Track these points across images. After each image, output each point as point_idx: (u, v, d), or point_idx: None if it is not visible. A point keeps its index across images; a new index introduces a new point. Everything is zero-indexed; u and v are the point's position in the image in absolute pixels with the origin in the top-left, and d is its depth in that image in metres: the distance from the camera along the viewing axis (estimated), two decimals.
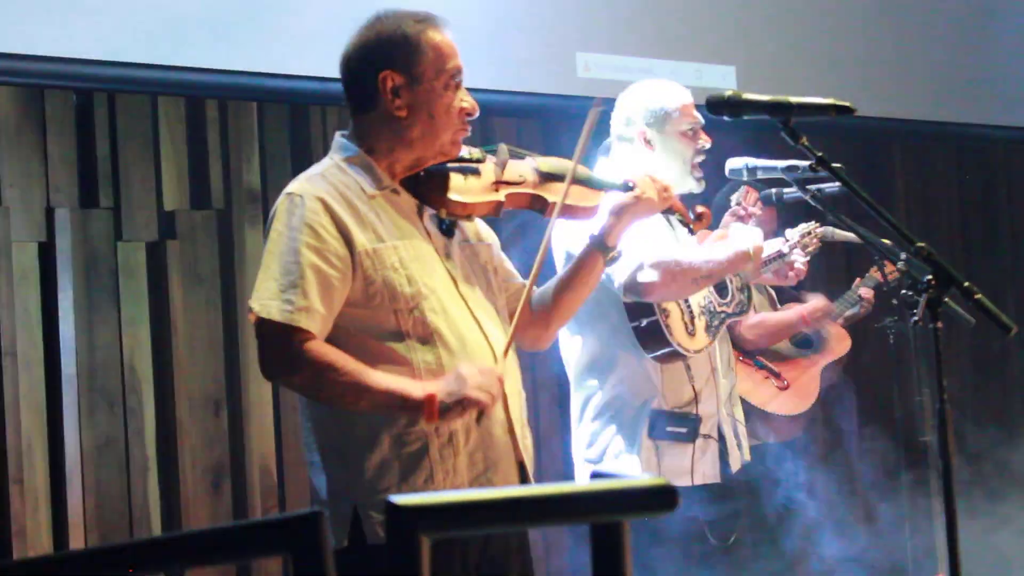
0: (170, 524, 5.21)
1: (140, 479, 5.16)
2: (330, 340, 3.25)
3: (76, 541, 4.99)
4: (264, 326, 3.21)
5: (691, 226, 3.98)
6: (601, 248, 3.61)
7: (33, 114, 5.06)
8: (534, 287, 3.57)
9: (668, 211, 3.84)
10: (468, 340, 3.30)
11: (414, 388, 3.17)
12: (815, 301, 5.83)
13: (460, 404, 3.13)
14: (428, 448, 3.24)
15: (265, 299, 3.21)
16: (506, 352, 3.30)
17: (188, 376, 5.29)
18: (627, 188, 3.69)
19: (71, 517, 4.99)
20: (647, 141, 4.42)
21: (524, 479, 3.39)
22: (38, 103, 5.07)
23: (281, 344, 3.20)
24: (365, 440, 3.27)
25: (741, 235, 4.41)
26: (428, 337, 3.27)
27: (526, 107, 5.99)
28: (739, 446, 4.56)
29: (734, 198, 4.80)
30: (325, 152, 3.35)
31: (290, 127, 5.64)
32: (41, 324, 5.01)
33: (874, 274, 6.13)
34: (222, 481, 5.35)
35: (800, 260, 4.69)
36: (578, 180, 3.57)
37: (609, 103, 4.35)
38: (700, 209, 4.03)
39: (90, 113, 5.17)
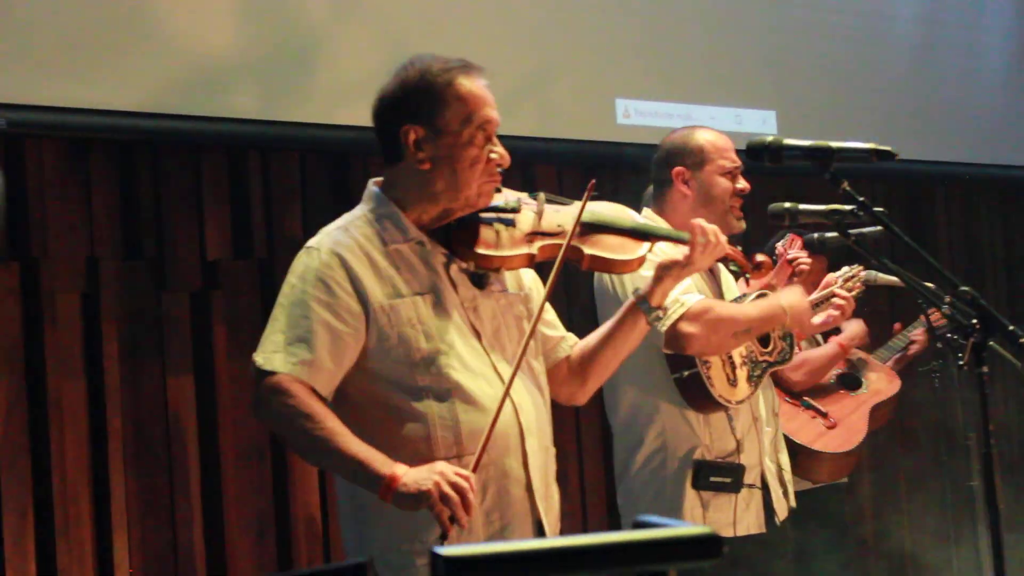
0: (216, 573, 5.21)
1: (185, 529, 5.17)
2: (347, 394, 3.24)
3: None
4: (261, 375, 3.19)
5: (748, 274, 3.93)
6: (644, 307, 3.51)
7: (77, 166, 5.09)
8: (570, 337, 3.55)
9: (723, 259, 3.77)
10: (488, 397, 3.23)
11: (381, 464, 3.09)
12: (852, 328, 5.80)
13: (417, 497, 3.04)
14: None
15: (269, 352, 3.20)
16: (500, 404, 3.16)
17: (232, 426, 5.30)
18: (679, 239, 3.59)
19: (117, 568, 5.00)
20: (685, 182, 4.40)
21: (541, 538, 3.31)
22: (82, 155, 5.10)
23: (272, 389, 3.16)
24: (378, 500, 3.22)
25: (786, 294, 4.38)
26: (445, 394, 3.23)
27: (567, 153, 6.00)
28: (785, 494, 4.53)
29: (779, 245, 4.79)
30: None
31: (332, 176, 5.66)
32: (85, 375, 5.03)
33: (920, 323, 6.11)
34: (266, 530, 5.36)
35: (845, 294, 4.69)
36: (619, 229, 3.50)
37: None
38: (760, 258, 3.95)
39: (133, 164, 5.21)
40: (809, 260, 4.91)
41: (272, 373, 3.17)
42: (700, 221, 3.61)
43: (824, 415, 5.62)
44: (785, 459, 4.64)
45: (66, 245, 5.04)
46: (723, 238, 3.62)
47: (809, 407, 5.59)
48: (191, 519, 5.18)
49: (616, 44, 6.31)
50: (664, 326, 4.01)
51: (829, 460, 5.50)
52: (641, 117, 6.31)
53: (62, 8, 4.92)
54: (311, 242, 3.32)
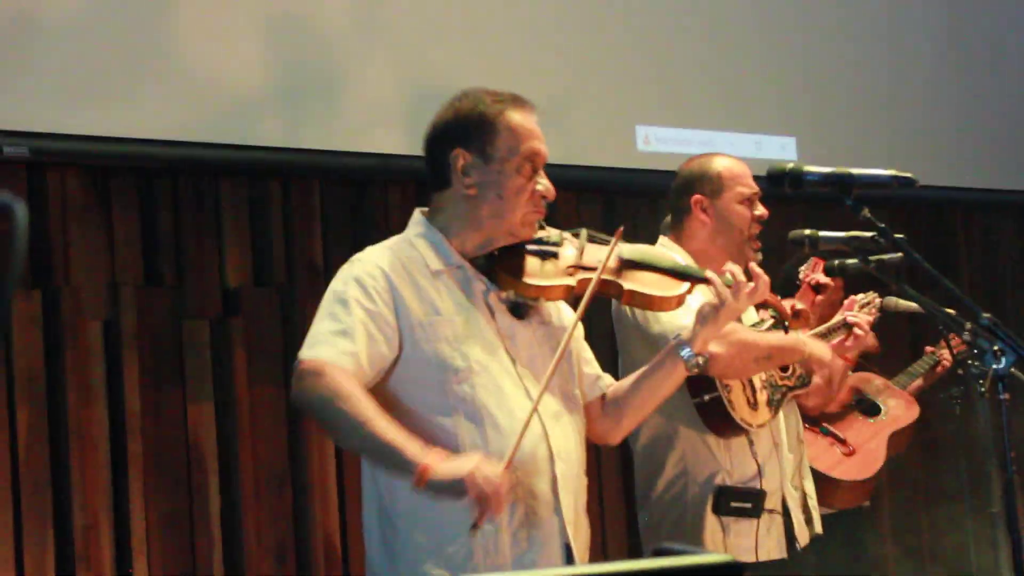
0: None
1: (205, 555, 5.17)
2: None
3: None
4: (301, 362, 3.22)
5: (787, 323, 3.90)
6: (687, 354, 3.47)
7: (99, 194, 5.11)
8: (605, 377, 3.56)
9: (763, 305, 3.75)
10: (518, 419, 3.22)
11: (417, 451, 3.08)
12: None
13: (452, 485, 3.03)
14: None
15: (312, 344, 3.23)
16: (529, 417, 3.17)
17: (252, 452, 5.30)
18: (705, 280, 3.54)
19: None
20: (703, 210, 4.40)
21: (569, 563, 3.29)
22: (104, 183, 5.12)
23: (310, 370, 3.19)
24: (407, 512, 3.25)
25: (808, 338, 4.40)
26: (475, 414, 3.25)
27: (586, 181, 6.00)
28: (809, 520, 4.53)
29: (802, 270, 4.78)
30: (386, 227, 3.36)
31: (352, 203, 5.68)
32: (106, 401, 5.04)
33: (937, 351, 6.09)
34: (286, 556, 5.36)
35: (862, 321, 4.68)
36: (659, 268, 3.49)
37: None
38: (800, 306, 3.94)
39: (154, 192, 5.23)
40: (831, 282, 4.90)
41: (314, 358, 3.19)
42: (735, 272, 3.56)
43: (843, 441, 5.60)
44: (810, 486, 4.63)
45: (88, 272, 5.06)
46: (761, 282, 3.55)
47: (828, 433, 5.58)
48: (211, 545, 5.19)
49: (636, 71, 6.33)
50: None
51: (847, 488, 5.49)
52: (661, 144, 6.32)
53: (85, 37, 4.95)
54: (356, 256, 3.37)
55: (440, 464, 3.05)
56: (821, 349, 4.36)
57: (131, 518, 5.02)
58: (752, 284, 3.51)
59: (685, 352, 3.48)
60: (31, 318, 4.92)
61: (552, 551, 3.28)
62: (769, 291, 3.64)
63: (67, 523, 4.92)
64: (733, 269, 3.56)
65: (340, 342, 3.20)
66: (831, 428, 5.62)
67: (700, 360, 3.50)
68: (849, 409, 5.80)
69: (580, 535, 3.37)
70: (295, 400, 3.29)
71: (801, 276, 4.81)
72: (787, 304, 3.94)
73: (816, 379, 4.57)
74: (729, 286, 3.51)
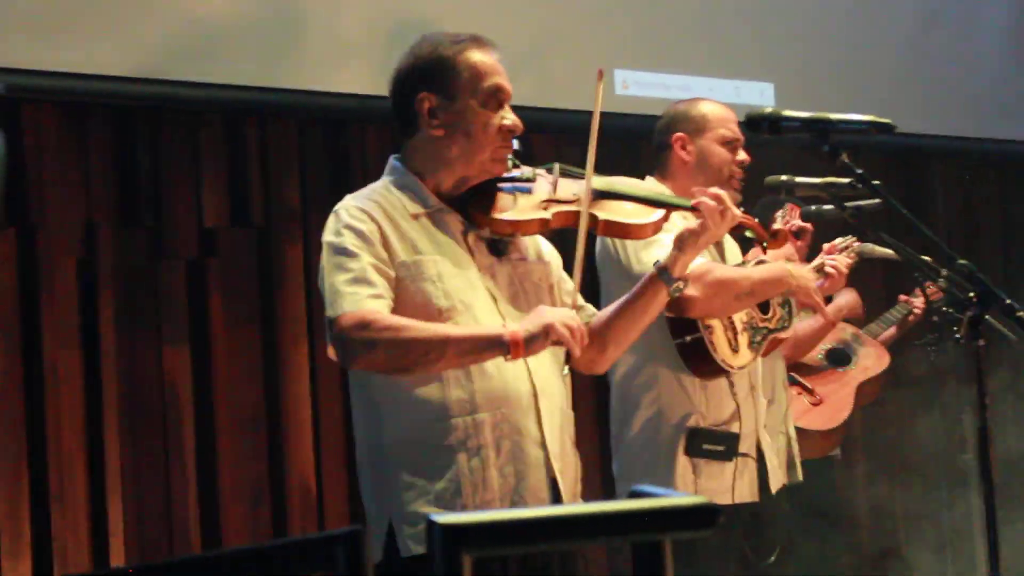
0: (210, 541, 5.22)
1: (180, 496, 5.18)
2: None
3: (116, 559, 5.00)
4: (337, 323, 3.21)
5: (765, 243, 3.92)
6: (665, 278, 3.51)
7: (75, 131, 5.09)
8: (588, 307, 3.56)
9: (740, 227, 3.77)
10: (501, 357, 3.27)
11: (495, 330, 3.21)
12: (842, 299, 5.79)
13: (544, 332, 3.15)
14: (457, 461, 3.25)
15: (334, 302, 3.22)
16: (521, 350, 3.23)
17: (228, 393, 5.30)
18: (690, 207, 3.56)
19: (112, 535, 5.01)
20: (684, 147, 4.41)
21: (556, 497, 3.34)
22: (81, 120, 5.10)
23: (354, 326, 3.19)
24: (394, 453, 3.29)
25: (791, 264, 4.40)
26: None
27: (565, 124, 5.97)
28: (792, 465, 4.61)
29: (779, 215, 4.78)
30: (364, 169, 3.36)
31: (330, 144, 5.66)
32: (81, 342, 5.03)
33: (910, 299, 6.10)
34: (261, 497, 5.36)
35: (839, 264, 4.69)
36: (633, 197, 3.53)
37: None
38: (777, 226, 3.95)
39: (131, 131, 5.20)
40: (810, 227, 4.91)
41: (344, 314, 3.20)
42: (705, 190, 3.60)
43: (811, 391, 5.63)
44: (792, 429, 4.69)
45: (63, 210, 5.03)
46: (732, 206, 3.59)
47: (795, 383, 5.60)
48: (186, 486, 5.19)
49: (615, 15, 6.30)
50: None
51: (812, 437, 5.51)
52: (640, 88, 6.31)
53: None
54: (338, 206, 3.38)
55: (523, 328, 3.17)
56: (806, 278, 4.35)
57: (106, 458, 5.02)
58: (716, 207, 3.52)
59: (665, 276, 3.51)
60: (5, 257, 4.91)
61: (539, 486, 3.32)
62: (744, 214, 3.69)
63: (42, 463, 4.92)
64: (704, 191, 3.58)
65: (361, 289, 3.21)
66: (799, 378, 5.64)
67: (681, 284, 3.54)
68: (819, 358, 5.82)
69: (568, 469, 3.41)
70: (350, 359, 3.27)
71: (780, 224, 4.81)
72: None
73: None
74: (695, 209, 3.55)
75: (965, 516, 6.57)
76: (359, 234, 3.27)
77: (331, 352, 3.31)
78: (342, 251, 3.27)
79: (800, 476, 4.71)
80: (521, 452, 3.30)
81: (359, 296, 3.21)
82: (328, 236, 3.32)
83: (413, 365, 3.22)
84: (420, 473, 3.26)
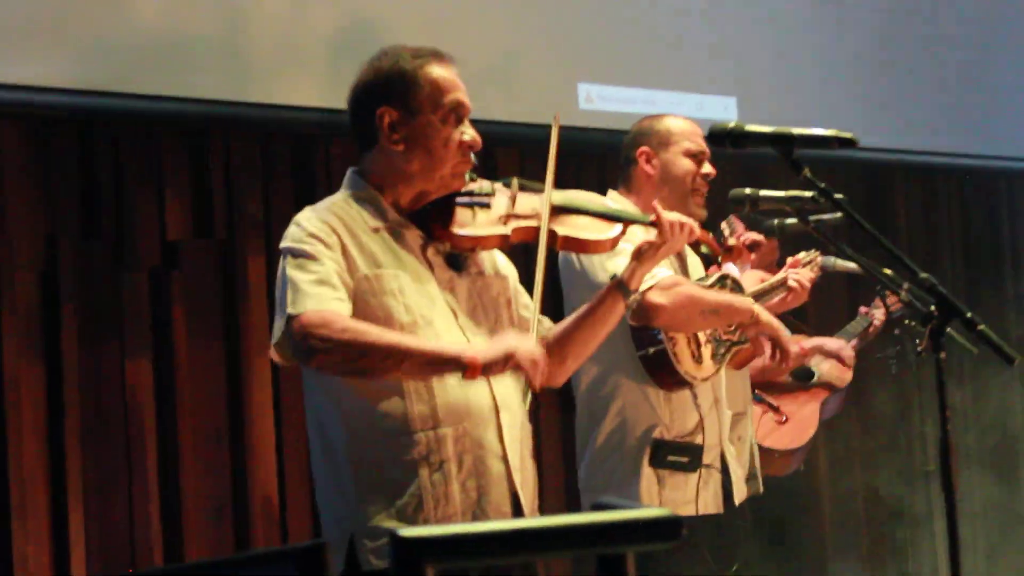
0: (172, 554, 5.20)
1: (142, 509, 5.15)
2: None
3: (78, 572, 4.98)
4: (298, 319, 3.19)
5: (719, 257, 3.96)
6: (622, 290, 3.57)
7: (37, 144, 5.07)
8: (545, 320, 3.57)
9: (696, 243, 3.81)
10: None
11: (455, 349, 3.20)
12: (820, 340, 5.83)
13: (504, 358, 3.13)
14: (419, 476, 3.25)
15: (296, 302, 3.20)
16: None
17: (190, 406, 5.28)
18: (649, 222, 3.60)
19: (73, 548, 4.98)
20: (648, 161, 4.43)
21: (518, 510, 3.35)
22: (42, 133, 5.08)
23: (316, 324, 3.17)
24: (356, 466, 3.28)
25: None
26: None
27: (528, 137, 5.97)
28: (754, 476, 4.65)
29: (724, 227, 4.80)
30: (328, 182, 3.36)
31: (293, 158, 5.65)
32: (43, 355, 5.01)
33: (877, 306, 6.12)
34: (224, 511, 5.35)
35: (802, 278, 4.73)
36: (590, 212, 3.54)
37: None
38: (732, 242, 4.00)
39: (93, 144, 5.18)
40: (763, 239, 4.94)
41: (307, 312, 3.19)
42: (657, 206, 3.64)
43: (776, 409, 5.64)
44: (755, 442, 4.75)
45: (25, 223, 5.01)
46: (690, 220, 3.65)
47: (761, 401, 5.61)
48: (147, 499, 5.17)
49: (579, 29, 6.32)
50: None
51: (780, 456, 5.53)
52: (603, 102, 6.32)
53: None
54: (297, 216, 3.37)
55: (483, 351, 3.16)
56: (773, 320, 4.38)
57: (67, 471, 5.00)
58: (672, 223, 3.58)
59: (623, 288, 3.56)
60: None
61: (500, 500, 3.33)
62: (700, 229, 3.73)
63: (3, 476, 4.89)
64: (659, 209, 3.63)
65: (325, 291, 3.21)
66: (764, 395, 5.66)
67: (638, 296, 3.62)
68: (783, 376, 5.83)
69: (528, 483, 3.41)
70: (306, 356, 3.24)
71: (733, 240, 4.83)
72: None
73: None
74: (654, 224, 3.59)
75: (928, 526, 6.60)
76: (322, 241, 3.27)
77: (273, 353, 3.30)
78: (305, 255, 3.26)
79: (761, 488, 4.73)
80: (483, 466, 3.31)
81: (324, 297, 3.20)
82: (288, 243, 3.31)
83: (369, 370, 3.21)
84: (382, 487, 3.26)
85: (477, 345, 3.19)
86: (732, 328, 4.41)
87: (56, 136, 5.11)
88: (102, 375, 5.11)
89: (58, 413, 5.00)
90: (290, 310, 3.21)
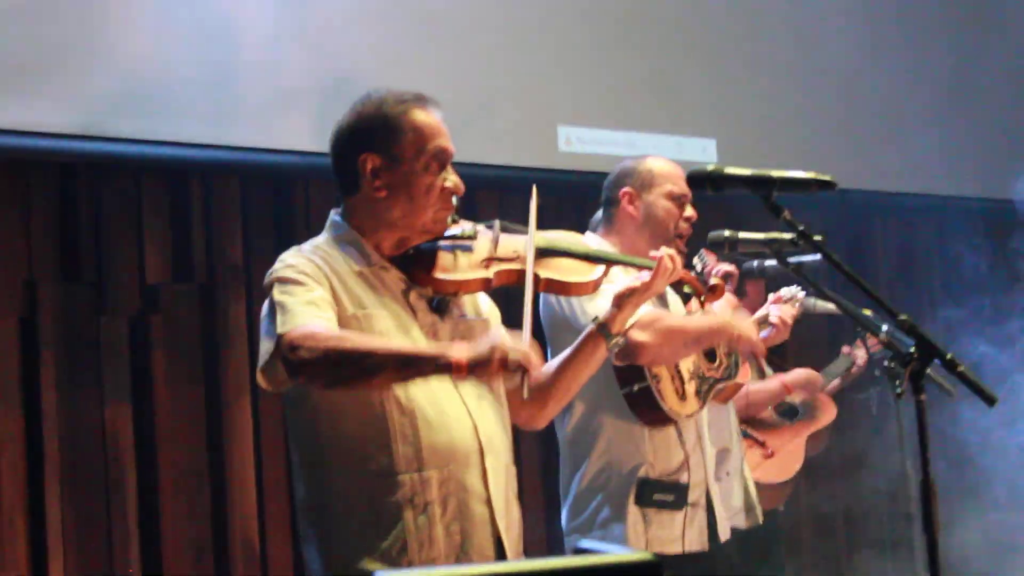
0: None
1: (122, 555, 5.13)
2: (310, 398, 3.26)
3: None
4: (287, 336, 3.14)
5: (703, 297, 3.97)
6: (605, 333, 3.58)
7: (16, 188, 5.06)
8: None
9: (678, 283, 3.83)
10: (448, 414, 3.27)
11: (438, 349, 3.13)
12: (800, 371, 5.83)
13: (490, 353, 3.03)
14: (403, 518, 3.23)
15: (286, 319, 3.16)
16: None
17: (170, 450, 5.27)
18: (631, 264, 3.63)
19: None
20: (630, 202, 4.44)
21: (501, 554, 3.34)
22: (22, 177, 5.07)
23: (304, 336, 3.13)
24: (339, 508, 3.26)
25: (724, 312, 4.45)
26: (407, 408, 3.26)
27: (508, 180, 6.00)
28: (752, 508, 4.74)
29: (696, 261, 4.81)
30: (308, 225, 3.34)
31: (273, 201, 5.65)
32: (22, 399, 4.99)
33: (852, 351, 6.13)
34: (204, 554, 5.33)
35: (784, 315, 4.75)
36: (574, 254, 3.54)
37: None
38: (714, 281, 4.01)
39: (73, 188, 5.18)
40: (734, 269, 4.97)
41: (296, 328, 3.15)
42: (664, 249, 3.67)
43: (762, 444, 5.64)
44: (749, 474, 4.75)
45: (4, 267, 5.01)
46: (680, 262, 3.68)
47: (747, 436, 5.61)
48: (129, 544, 5.15)
49: (558, 72, 6.34)
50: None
51: (765, 490, 5.53)
52: (583, 145, 6.34)
53: (3, 30, 4.89)
54: (283, 255, 3.34)
55: (467, 351, 3.07)
56: (748, 329, 4.38)
57: (47, 517, 4.98)
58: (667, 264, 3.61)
59: (604, 332, 3.57)
60: None
61: (484, 543, 3.31)
62: (683, 270, 3.76)
63: None
64: (663, 252, 3.66)
65: (313, 310, 3.18)
66: (751, 431, 5.66)
67: (620, 340, 3.61)
68: (769, 412, 5.84)
69: (512, 527, 3.40)
70: (295, 369, 3.17)
71: (715, 280, 4.85)
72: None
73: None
74: (638, 267, 3.63)
75: (909, 567, 6.59)
76: (309, 276, 3.25)
77: (260, 378, 3.25)
78: (293, 282, 3.23)
79: (760, 518, 4.75)
80: (467, 510, 3.29)
81: (312, 315, 3.17)
82: (275, 274, 3.27)
83: (354, 375, 3.15)
84: (366, 529, 3.23)
85: (458, 349, 3.09)
86: (716, 365, 4.43)
87: (35, 180, 5.11)
88: (82, 420, 5.09)
89: (38, 458, 4.99)
90: (280, 330, 3.17)
